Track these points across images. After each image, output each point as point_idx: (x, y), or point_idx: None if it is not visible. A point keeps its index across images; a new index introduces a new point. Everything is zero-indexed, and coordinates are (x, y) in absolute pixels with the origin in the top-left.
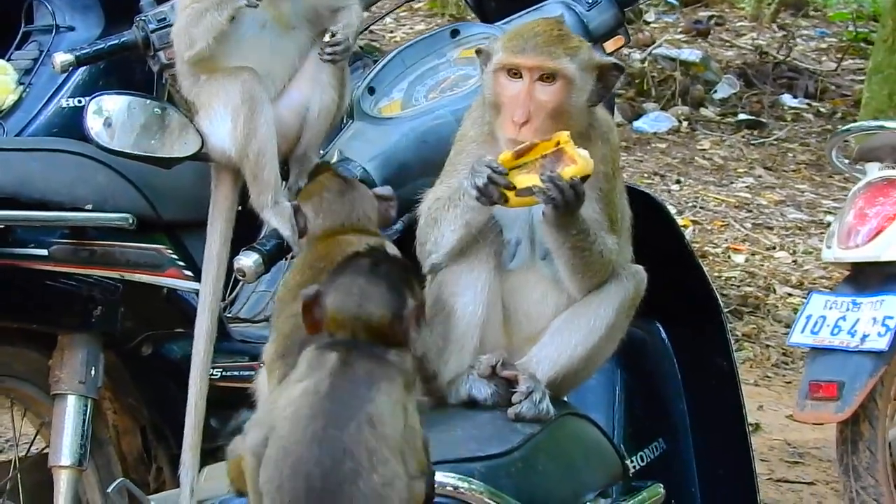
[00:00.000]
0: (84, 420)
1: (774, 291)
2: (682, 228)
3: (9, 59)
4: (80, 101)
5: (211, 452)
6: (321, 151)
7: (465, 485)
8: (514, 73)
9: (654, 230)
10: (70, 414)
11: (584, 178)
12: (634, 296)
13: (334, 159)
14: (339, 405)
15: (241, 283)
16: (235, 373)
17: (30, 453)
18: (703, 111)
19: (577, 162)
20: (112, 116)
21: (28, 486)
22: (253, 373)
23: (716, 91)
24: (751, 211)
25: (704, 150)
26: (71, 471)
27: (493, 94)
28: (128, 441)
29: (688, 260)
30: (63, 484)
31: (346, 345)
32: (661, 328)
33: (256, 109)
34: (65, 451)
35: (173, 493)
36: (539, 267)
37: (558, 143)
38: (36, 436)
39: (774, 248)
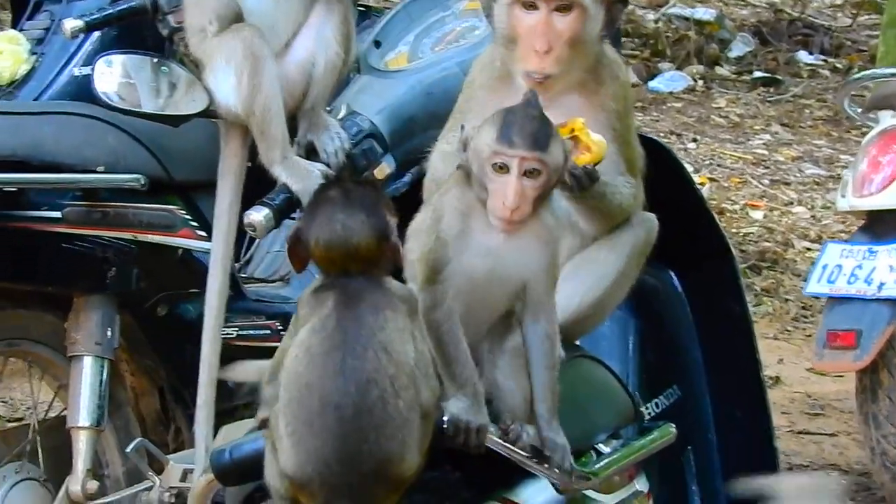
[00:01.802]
0: (101, 381)
1: (793, 246)
2: (699, 185)
3: (21, 30)
4: (92, 70)
5: (227, 412)
6: (328, 106)
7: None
8: (530, 5)
9: (663, 177)
10: (87, 375)
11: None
12: (646, 242)
13: (342, 114)
14: (351, 336)
15: (255, 244)
16: (251, 332)
17: (48, 416)
18: (718, 70)
19: (592, 149)
20: (120, 76)
21: (47, 449)
22: (268, 332)
23: (731, 49)
24: (768, 167)
25: (720, 108)
26: (89, 432)
27: (509, 28)
28: (145, 402)
29: (698, 206)
30: (81, 445)
31: (342, 281)
32: (673, 276)
33: (260, 65)
34: (82, 412)
35: (192, 453)
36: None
37: (573, 131)
38: (54, 399)
39: (792, 203)
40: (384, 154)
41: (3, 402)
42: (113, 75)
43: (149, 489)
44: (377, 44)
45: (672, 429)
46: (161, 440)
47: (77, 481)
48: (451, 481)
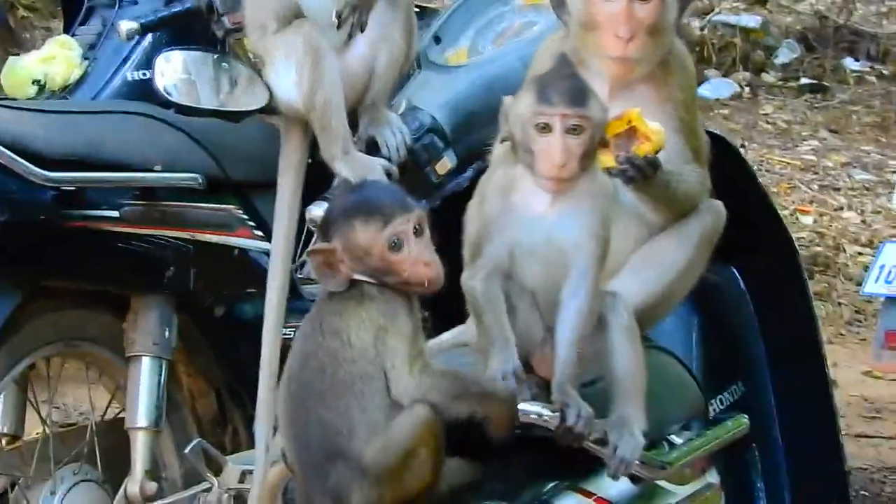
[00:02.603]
0: (159, 381)
1: (844, 250)
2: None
3: (73, 35)
4: (144, 74)
5: None
6: (389, 101)
7: (547, 412)
8: None
9: (725, 172)
10: (145, 376)
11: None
12: (713, 230)
13: (402, 109)
14: (309, 325)
15: (311, 245)
16: None
17: (105, 417)
18: (764, 76)
19: (651, 138)
20: (180, 72)
21: (105, 451)
22: None
23: (777, 56)
24: (817, 173)
25: (767, 114)
26: (147, 432)
27: (587, 15)
28: (202, 403)
29: (761, 201)
30: (140, 446)
31: None
32: (736, 272)
33: (320, 60)
34: (141, 412)
35: (250, 454)
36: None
37: (630, 122)
38: (111, 400)
39: (842, 208)
40: (445, 149)
41: (57, 407)
42: (173, 72)
43: (207, 490)
44: (437, 40)
45: (745, 419)
46: (218, 441)
47: (136, 482)
48: (527, 469)
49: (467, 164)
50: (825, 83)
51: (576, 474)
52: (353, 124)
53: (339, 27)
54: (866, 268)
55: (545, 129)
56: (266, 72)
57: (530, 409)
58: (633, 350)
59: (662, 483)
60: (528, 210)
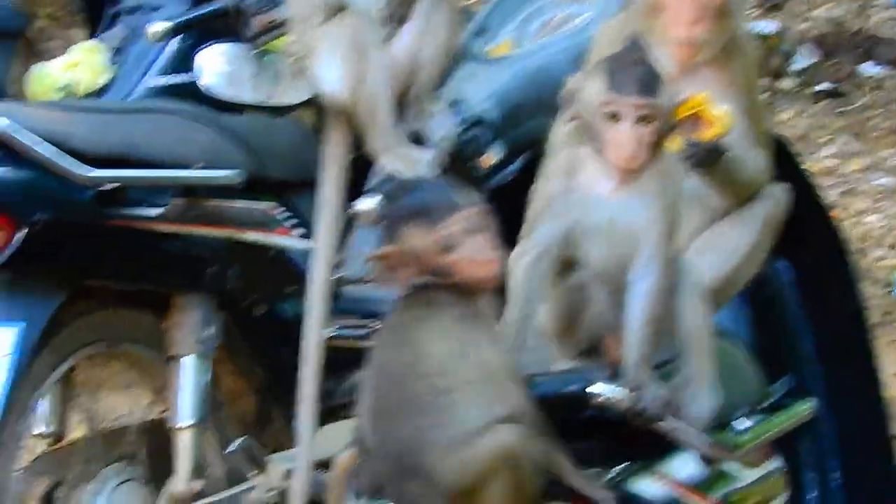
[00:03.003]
0: (202, 380)
1: (868, 254)
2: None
3: (98, 40)
4: (170, 80)
5: (327, 413)
6: (435, 94)
7: (619, 394)
8: None
9: (775, 166)
10: (188, 375)
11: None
12: (778, 214)
13: (448, 102)
14: (385, 332)
15: (347, 245)
16: (347, 332)
17: (148, 418)
18: (781, 83)
19: (717, 123)
20: (223, 66)
21: (148, 451)
22: (365, 332)
23: (793, 62)
24: (838, 178)
25: (785, 121)
26: (191, 431)
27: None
28: (244, 403)
29: (809, 194)
30: (183, 445)
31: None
32: (785, 266)
33: (366, 52)
34: (184, 411)
35: (293, 453)
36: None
37: (696, 106)
38: (154, 400)
39: (864, 212)
40: (491, 142)
41: (85, 410)
42: (216, 66)
43: (250, 489)
44: (480, 32)
45: (810, 404)
46: (260, 441)
47: (180, 482)
48: (599, 451)
49: (513, 157)
50: (843, 89)
51: (648, 456)
52: (399, 118)
53: (383, 20)
54: (892, 270)
55: (615, 117)
56: (310, 65)
57: (604, 390)
58: (704, 312)
59: (731, 466)
60: (592, 191)
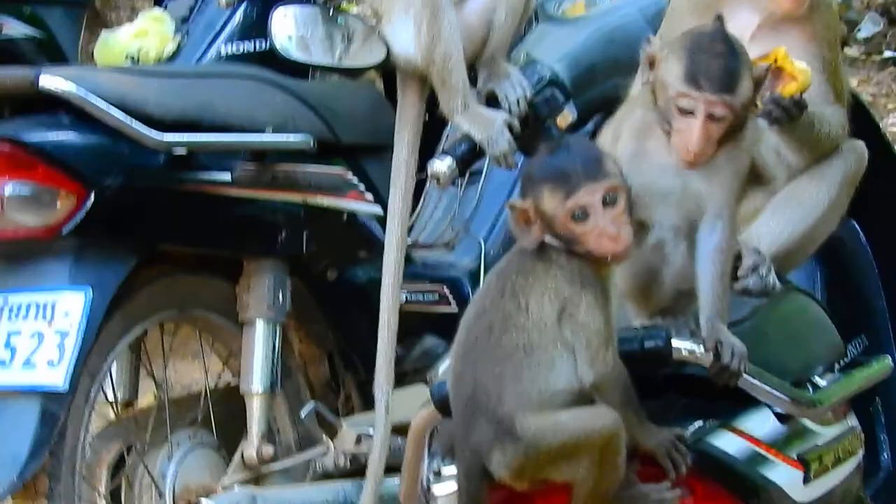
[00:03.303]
0: (274, 346)
1: None
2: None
3: (165, 8)
4: (238, 47)
5: (397, 378)
6: (508, 54)
7: (700, 350)
8: None
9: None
10: (259, 340)
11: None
12: (856, 170)
13: (522, 62)
14: (494, 277)
15: (418, 210)
16: (419, 297)
17: (219, 384)
18: (847, 51)
19: (797, 78)
20: (296, 28)
21: (219, 416)
22: (436, 297)
23: (860, 30)
24: None
25: (854, 90)
26: (262, 396)
27: None
28: (315, 368)
29: (885, 154)
30: (255, 410)
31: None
32: (857, 226)
33: (439, 13)
34: (255, 376)
35: (365, 417)
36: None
37: (776, 60)
38: (224, 366)
39: None
40: (566, 102)
41: (160, 376)
42: (289, 27)
43: (323, 454)
44: None
45: (888, 361)
46: (331, 407)
47: (252, 446)
48: (676, 408)
49: (588, 117)
50: None
51: (726, 413)
52: (472, 79)
53: None
54: None
55: (689, 112)
56: (383, 26)
57: (684, 345)
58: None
59: (809, 424)
60: (663, 157)
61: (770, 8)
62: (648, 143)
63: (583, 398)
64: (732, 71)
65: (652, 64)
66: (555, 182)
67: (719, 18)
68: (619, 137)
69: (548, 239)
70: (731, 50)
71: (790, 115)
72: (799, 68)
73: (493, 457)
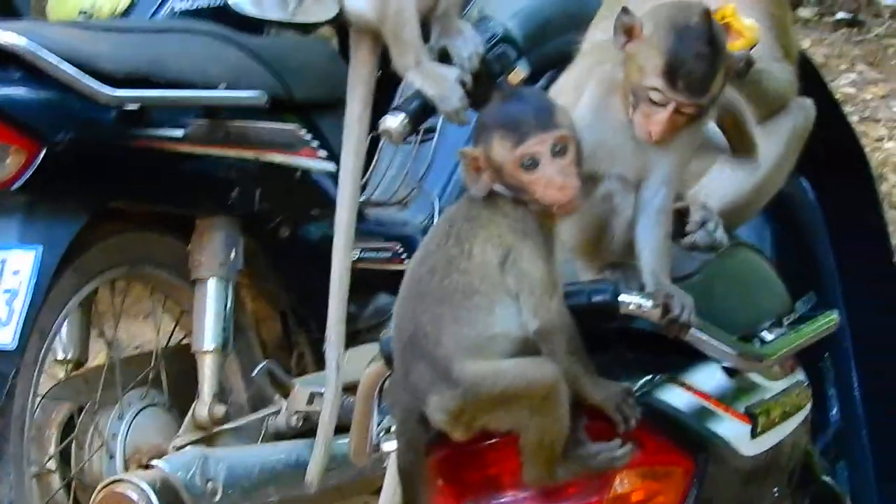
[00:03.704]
0: (226, 304)
1: (887, 180)
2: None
3: None
4: (192, 3)
5: (351, 336)
6: (461, 11)
7: (648, 303)
8: None
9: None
10: (211, 298)
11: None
12: (804, 127)
13: (474, 18)
14: (441, 223)
15: (372, 168)
16: (373, 254)
17: (170, 343)
18: (800, 12)
19: (745, 34)
20: None
21: (171, 375)
22: (389, 255)
23: None
24: (856, 105)
25: (805, 49)
26: (214, 355)
27: None
28: (267, 327)
29: (833, 113)
30: (207, 369)
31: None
32: (806, 183)
33: None
34: (207, 335)
35: (317, 376)
36: None
37: (724, 17)
38: (176, 324)
39: (883, 139)
40: (519, 58)
41: (111, 336)
42: None
43: (275, 413)
44: None
45: (834, 315)
46: (284, 366)
47: (204, 406)
48: (625, 363)
49: (541, 74)
50: (860, 17)
51: (674, 367)
52: (425, 36)
53: None
54: None
55: (658, 104)
56: None
57: (631, 299)
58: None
59: (757, 378)
60: (623, 115)
61: None
62: (612, 99)
63: (527, 348)
64: (710, 75)
65: (629, 33)
66: (505, 130)
67: (706, 13)
68: (580, 87)
69: (497, 187)
70: (713, 51)
71: (737, 71)
72: (747, 25)
73: (431, 400)
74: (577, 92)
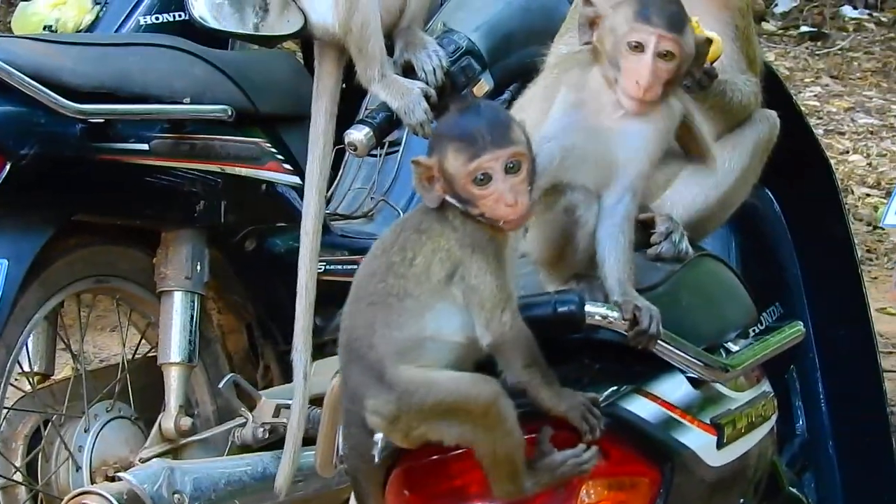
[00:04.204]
0: (192, 316)
1: (852, 192)
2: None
3: None
4: (157, 18)
5: (317, 348)
6: (425, 24)
7: (615, 314)
8: None
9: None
10: (177, 311)
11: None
12: (769, 139)
13: (438, 31)
14: (391, 230)
15: (337, 181)
16: (337, 267)
17: (136, 355)
18: (764, 25)
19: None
20: None
21: (137, 388)
22: (354, 267)
23: (776, 5)
24: (821, 118)
25: (769, 62)
26: (181, 367)
27: None
28: (234, 339)
29: (798, 124)
30: (173, 381)
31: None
32: (771, 194)
33: None
34: (174, 347)
35: (283, 389)
36: None
37: None
38: (142, 337)
39: (848, 152)
40: (482, 71)
41: (77, 348)
42: None
43: (241, 425)
44: None
45: (800, 326)
46: (250, 378)
47: (170, 418)
48: (590, 373)
49: (505, 86)
50: (825, 31)
51: (639, 378)
52: (389, 49)
53: None
54: (876, 208)
55: (638, 47)
56: None
57: (597, 310)
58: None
59: (723, 388)
60: (594, 118)
61: None
62: (585, 101)
63: (468, 355)
64: (679, 14)
65: (593, 24)
66: (460, 143)
67: None
68: (548, 98)
69: (448, 198)
70: (678, 3)
71: (700, 84)
72: (709, 37)
73: (367, 403)
74: (543, 103)
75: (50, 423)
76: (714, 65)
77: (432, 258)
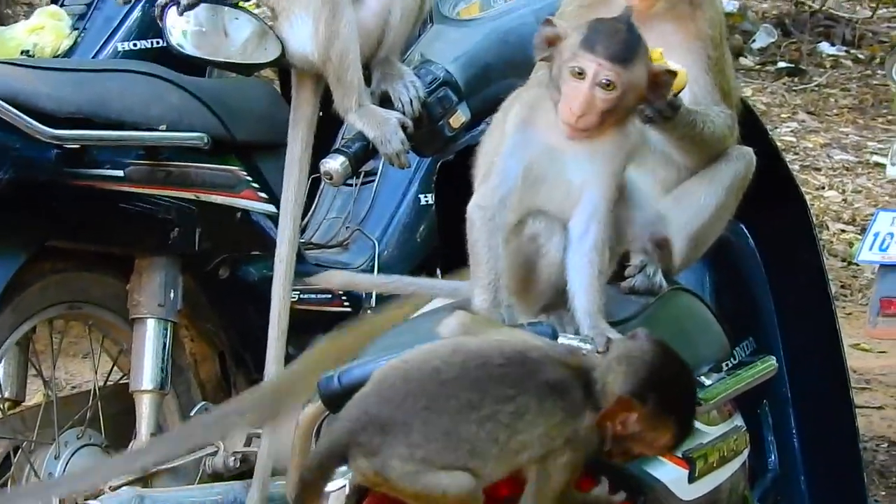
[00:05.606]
0: (164, 344)
1: (828, 228)
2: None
3: (62, 5)
4: (135, 45)
5: None
6: (402, 55)
7: (588, 346)
8: None
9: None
10: (150, 338)
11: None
12: (745, 175)
13: (416, 62)
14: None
15: (312, 210)
16: (312, 296)
17: (108, 382)
18: (742, 60)
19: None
20: (192, 24)
21: (108, 415)
22: (329, 297)
23: (754, 41)
24: (797, 154)
25: (746, 97)
26: (153, 395)
27: None
28: (206, 367)
29: (772, 158)
30: (145, 409)
31: None
32: (744, 228)
33: (337, 12)
34: (146, 375)
35: None
36: (647, 145)
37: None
38: (114, 364)
39: (823, 187)
40: (459, 102)
41: (49, 374)
42: (184, 24)
43: (213, 454)
44: None
45: (772, 360)
46: None
47: (141, 446)
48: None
49: (481, 118)
50: (802, 67)
51: None
52: (367, 79)
53: None
54: (851, 244)
55: (580, 74)
56: (279, 24)
57: (570, 343)
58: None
59: (695, 422)
60: (546, 136)
61: (633, 7)
62: (537, 119)
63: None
64: (627, 47)
65: (552, 42)
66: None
67: (626, 9)
68: (509, 110)
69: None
70: (630, 32)
71: (663, 115)
72: (674, 68)
73: (352, 452)
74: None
75: (20, 450)
76: (684, 96)
77: (533, 433)
